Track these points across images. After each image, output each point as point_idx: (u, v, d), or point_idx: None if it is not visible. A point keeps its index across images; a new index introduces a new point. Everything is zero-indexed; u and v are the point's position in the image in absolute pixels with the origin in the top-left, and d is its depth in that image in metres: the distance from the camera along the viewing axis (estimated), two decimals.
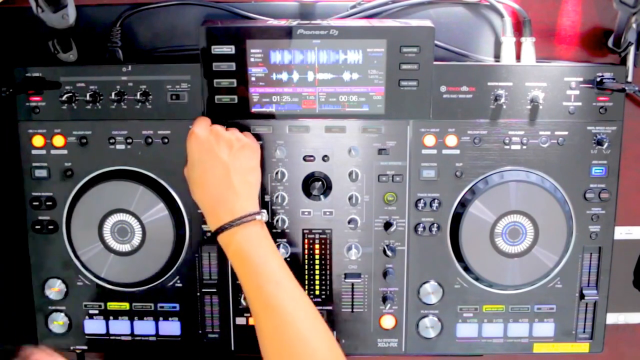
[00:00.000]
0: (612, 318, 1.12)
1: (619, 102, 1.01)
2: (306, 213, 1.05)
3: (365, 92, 0.99)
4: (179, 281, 1.07)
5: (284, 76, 0.98)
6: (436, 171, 1.03)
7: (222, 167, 0.93)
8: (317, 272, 1.07)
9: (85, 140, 1.02)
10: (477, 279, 1.05)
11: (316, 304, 1.07)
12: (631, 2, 0.92)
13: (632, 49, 1.00)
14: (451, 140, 1.02)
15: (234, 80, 0.98)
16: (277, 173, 1.03)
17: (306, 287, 1.07)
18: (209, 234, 1.03)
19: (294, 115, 1.01)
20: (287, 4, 1.05)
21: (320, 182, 1.03)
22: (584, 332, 1.09)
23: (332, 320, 1.08)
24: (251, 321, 1.08)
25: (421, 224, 1.04)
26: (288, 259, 1.06)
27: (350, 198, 1.03)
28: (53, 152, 1.03)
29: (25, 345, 0.86)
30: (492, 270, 1.04)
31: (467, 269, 1.05)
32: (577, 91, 1.00)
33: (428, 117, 1.01)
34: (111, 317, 1.09)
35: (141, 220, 1.03)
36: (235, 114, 1.00)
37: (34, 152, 1.03)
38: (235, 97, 0.99)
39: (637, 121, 1.07)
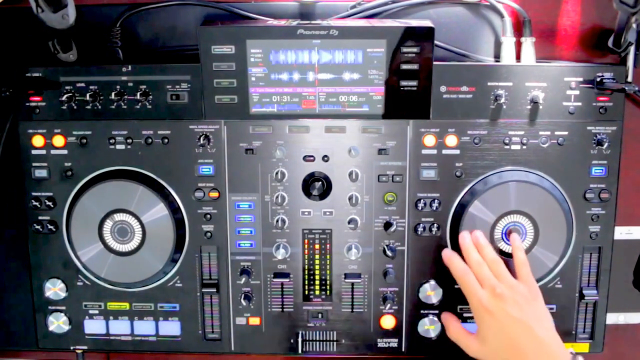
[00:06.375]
0: (612, 318, 1.12)
1: (619, 102, 1.01)
2: (306, 213, 1.05)
3: (365, 92, 0.99)
4: (179, 281, 1.07)
5: (284, 76, 0.98)
6: (436, 171, 1.03)
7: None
8: (317, 272, 1.07)
9: (85, 140, 1.02)
10: None
11: (316, 304, 1.07)
12: (631, 2, 0.92)
13: (632, 49, 1.00)
14: (451, 140, 1.02)
15: (234, 80, 0.98)
16: (277, 173, 1.03)
17: (306, 287, 1.07)
18: None
19: (294, 115, 1.00)
20: (287, 4, 1.05)
21: (320, 182, 1.03)
22: (584, 332, 1.09)
23: (332, 320, 1.08)
24: (251, 321, 1.08)
25: (421, 224, 1.04)
26: (288, 259, 1.06)
27: (350, 198, 1.03)
28: (53, 152, 1.03)
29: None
30: None
31: None
32: (577, 91, 1.00)
33: (428, 117, 1.01)
34: (111, 317, 1.09)
35: (141, 220, 1.03)
36: (235, 114, 1.00)
37: (34, 152, 1.03)
38: (235, 97, 0.99)
39: (637, 121, 1.07)
